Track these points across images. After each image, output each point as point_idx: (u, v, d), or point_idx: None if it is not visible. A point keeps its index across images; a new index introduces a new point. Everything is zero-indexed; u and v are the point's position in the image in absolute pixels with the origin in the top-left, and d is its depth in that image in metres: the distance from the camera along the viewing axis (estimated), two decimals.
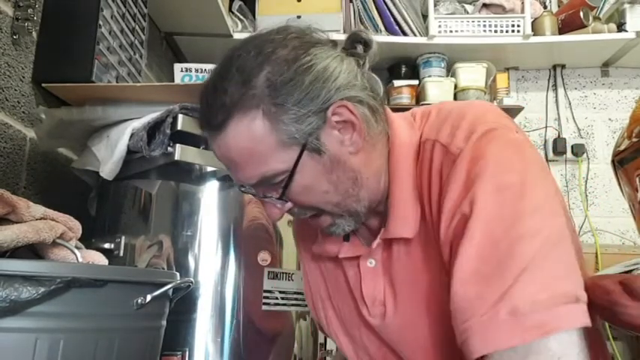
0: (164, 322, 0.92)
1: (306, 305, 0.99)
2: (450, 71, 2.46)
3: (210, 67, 1.68)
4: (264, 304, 1.20)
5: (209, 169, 1.23)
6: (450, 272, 0.64)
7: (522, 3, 2.42)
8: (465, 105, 0.74)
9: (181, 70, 1.70)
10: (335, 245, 0.85)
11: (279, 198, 0.72)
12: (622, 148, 0.73)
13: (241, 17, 2.43)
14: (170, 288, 0.88)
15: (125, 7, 1.51)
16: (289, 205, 0.73)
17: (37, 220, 0.89)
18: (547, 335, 0.56)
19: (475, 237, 0.62)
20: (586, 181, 2.56)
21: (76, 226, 0.97)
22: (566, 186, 2.58)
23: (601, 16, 2.52)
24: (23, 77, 1.25)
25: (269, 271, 1.22)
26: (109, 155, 1.17)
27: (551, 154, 2.60)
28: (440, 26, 2.37)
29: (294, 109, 0.67)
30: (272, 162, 0.69)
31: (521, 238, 0.60)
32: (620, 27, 2.41)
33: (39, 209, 0.90)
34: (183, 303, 1.00)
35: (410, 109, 0.84)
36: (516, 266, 0.58)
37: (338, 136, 0.71)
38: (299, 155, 0.69)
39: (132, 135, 1.14)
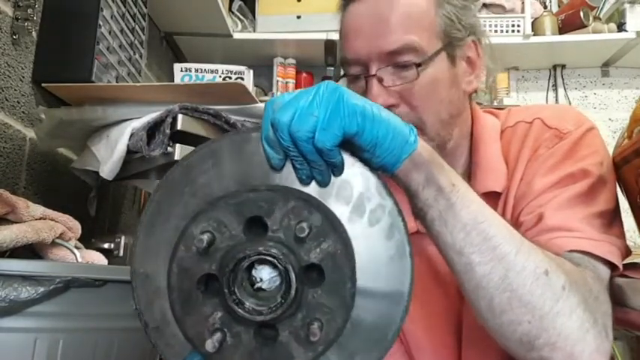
0: None
1: None
2: None
3: (210, 66, 1.68)
4: None
5: None
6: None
7: (522, 3, 2.42)
8: (551, 105, 0.84)
9: (181, 70, 1.71)
10: (411, 219, 0.68)
11: (397, 85, 0.70)
12: (622, 148, 0.72)
13: (241, 17, 2.43)
14: None
15: (125, 7, 1.51)
16: (394, 100, 0.71)
17: (36, 220, 0.89)
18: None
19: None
20: None
21: (76, 226, 0.97)
22: None
23: (601, 16, 2.52)
24: (23, 77, 1.25)
25: None
26: (108, 155, 1.16)
27: None
28: None
29: (455, 8, 0.74)
30: (421, 36, 0.71)
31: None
32: (620, 27, 2.41)
33: (38, 209, 0.90)
34: None
35: None
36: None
37: (463, 67, 0.77)
38: (440, 49, 0.72)
39: (132, 135, 1.14)
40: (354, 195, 0.49)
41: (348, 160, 0.49)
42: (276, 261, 0.45)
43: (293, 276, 0.45)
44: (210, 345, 0.44)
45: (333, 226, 0.47)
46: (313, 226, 0.46)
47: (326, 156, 0.47)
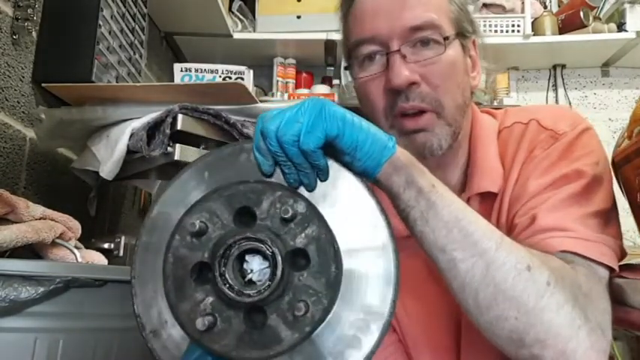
0: None
1: None
2: None
3: (210, 66, 1.68)
4: None
5: None
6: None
7: (522, 3, 2.42)
8: (547, 105, 0.83)
9: (181, 70, 1.71)
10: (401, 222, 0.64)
11: (423, 61, 0.71)
12: (622, 148, 0.72)
13: (241, 17, 2.43)
14: None
15: (125, 7, 1.51)
16: (417, 77, 0.71)
17: (36, 220, 0.89)
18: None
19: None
20: None
21: (76, 226, 0.97)
22: None
23: (601, 16, 2.52)
24: (23, 77, 1.25)
25: None
26: (108, 155, 1.16)
27: None
28: None
29: (463, 2, 0.77)
30: (439, 16, 0.73)
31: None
32: (620, 27, 2.41)
33: (38, 209, 0.91)
34: None
35: None
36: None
37: (468, 62, 0.78)
38: (455, 35, 0.74)
39: (132, 135, 1.14)
40: (339, 197, 0.52)
41: (333, 165, 0.53)
42: (263, 246, 0.47)
43: (279, 258, 0.47)
44: (200, 323, 0.47)
45: (317, 213, 0.50)
46: (298, 212, 0.49)
47: (310, 158, 0.50)
